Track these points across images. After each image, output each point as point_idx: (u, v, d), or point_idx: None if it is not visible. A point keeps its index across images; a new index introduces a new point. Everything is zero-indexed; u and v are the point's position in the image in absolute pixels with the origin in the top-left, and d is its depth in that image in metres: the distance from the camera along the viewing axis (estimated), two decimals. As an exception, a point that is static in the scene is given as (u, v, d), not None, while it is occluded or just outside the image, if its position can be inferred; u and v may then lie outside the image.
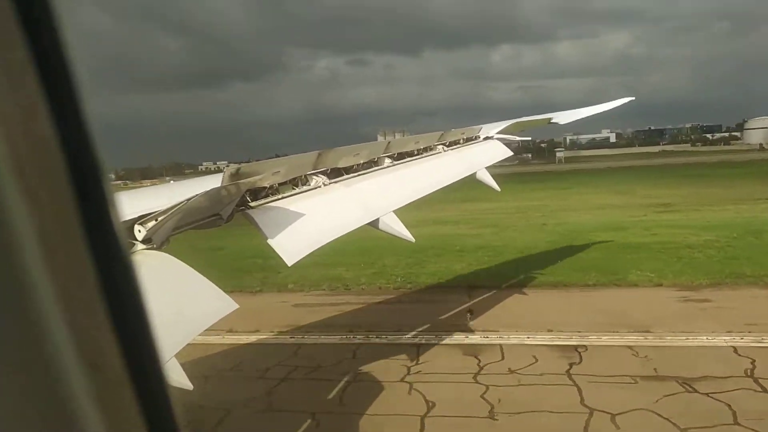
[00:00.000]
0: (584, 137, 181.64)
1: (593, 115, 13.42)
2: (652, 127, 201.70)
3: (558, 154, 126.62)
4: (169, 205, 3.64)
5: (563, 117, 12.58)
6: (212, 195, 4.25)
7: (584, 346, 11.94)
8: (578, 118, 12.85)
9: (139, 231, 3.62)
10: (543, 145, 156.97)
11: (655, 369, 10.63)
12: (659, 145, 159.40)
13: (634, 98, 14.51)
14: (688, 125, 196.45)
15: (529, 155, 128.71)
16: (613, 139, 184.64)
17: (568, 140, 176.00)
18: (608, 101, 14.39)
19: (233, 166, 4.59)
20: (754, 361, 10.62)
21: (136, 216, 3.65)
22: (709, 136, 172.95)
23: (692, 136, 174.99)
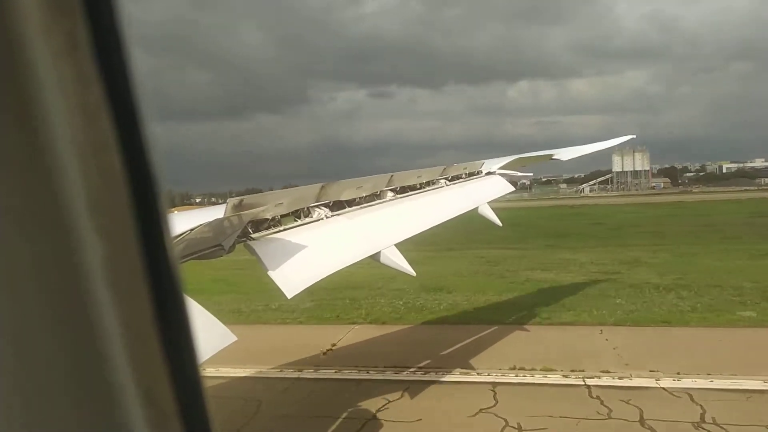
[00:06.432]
0: (750, 165, 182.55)
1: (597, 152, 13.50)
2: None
3: None
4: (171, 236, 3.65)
5: (565, 153, 12.66)
6: (215, 226, 4.27)
7: None
8: (580, 154, 12.94)
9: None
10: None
11: None
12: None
13: (635, 136, 14.71)
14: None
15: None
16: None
17: (723, 168, 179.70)
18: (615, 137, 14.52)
19: (236, 198, 4.62)
20: None
21: None
22: None
23: None
